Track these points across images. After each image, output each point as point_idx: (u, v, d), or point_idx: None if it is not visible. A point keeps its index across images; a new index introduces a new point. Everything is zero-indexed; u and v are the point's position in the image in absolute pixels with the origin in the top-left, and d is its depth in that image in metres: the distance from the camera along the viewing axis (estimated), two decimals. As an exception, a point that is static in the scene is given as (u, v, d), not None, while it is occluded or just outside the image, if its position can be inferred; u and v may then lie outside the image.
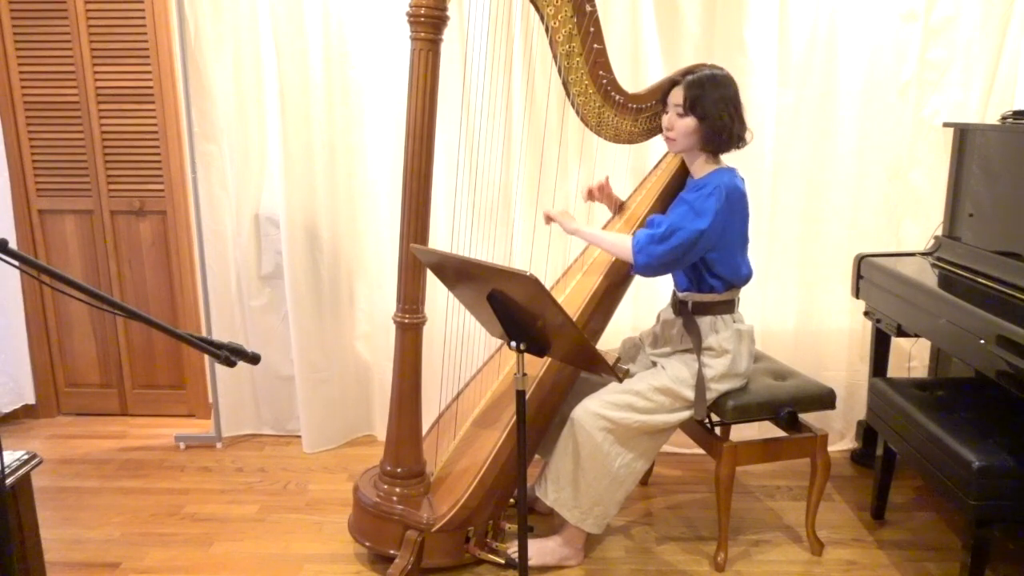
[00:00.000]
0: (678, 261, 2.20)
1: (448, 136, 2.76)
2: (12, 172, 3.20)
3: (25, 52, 3.11)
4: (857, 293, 2.82)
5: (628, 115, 2.37)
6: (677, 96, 2.21)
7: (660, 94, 2.30)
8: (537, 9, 2.24)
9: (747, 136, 2.25)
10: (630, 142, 2.46)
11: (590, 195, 2.54)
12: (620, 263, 2.36)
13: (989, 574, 2.13)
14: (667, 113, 2.25)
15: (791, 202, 2.95)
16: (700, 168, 2.29)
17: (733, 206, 2.19)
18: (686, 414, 2.29)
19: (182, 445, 3.17)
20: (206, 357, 3.06)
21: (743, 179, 2.27)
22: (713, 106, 2.17)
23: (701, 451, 2.56)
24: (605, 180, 2.54)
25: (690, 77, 2.20)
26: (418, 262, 2.17)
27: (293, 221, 2.95)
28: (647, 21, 2.79)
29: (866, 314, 2.84)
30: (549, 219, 2.42)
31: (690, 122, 2.20)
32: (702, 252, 2.20)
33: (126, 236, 3.27)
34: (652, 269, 2.22)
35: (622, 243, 2.25)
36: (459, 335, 2.49)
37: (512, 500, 2.42)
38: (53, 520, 2.61)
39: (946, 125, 2.82)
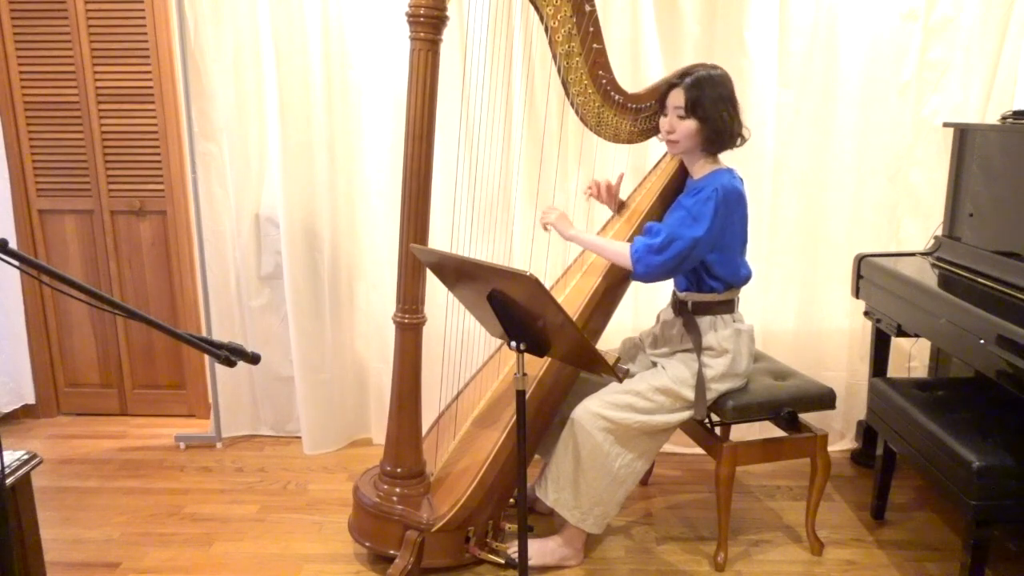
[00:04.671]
0: (677, 268, 2.21)
1: (448, 136, 2.76)
2: (12, 172, 3.20)
3: (25, 52, 3.11)
4: (857, 293, 2.82)
5: (628, 115, 2.37)
6: (677, 98, 2.21)
7: (659, 95, 2.30)
8: (536, 9, 2.24)
9: (745, 133, 2.26)
10: (629, 142, 2.46)
11: (596, 191, 2.52)
12: (626, 269, 2.36)
13: (989, 574, 2.13)
14: (666, 116, 2.25)
15: (791, 202, 2.95)
16: (699, 169, 2.29)
17: (731, 207, 2.19)
18: (686, 414, 2.29)
19: (182, 445, 3.17)
20: (206, 357, 3.06)
21: (742, 180, 2.27)
22: (713, 106, 2.17)
23: (701, 451, 2.56)
24: (618, 179, 2.53)
25: (689, 79, 2.19)
26: (418, 262, 2.17)
27: (293, 221, 2.95)
28: (647, 21, 2.79)
29: (866, 314, 2.84)
30: (546, 227, 2.42)
31: (692, 124, 2.20)
32: (701, 256, 2.21)
33: (126, 236, 3.27)
34: (651, 277, 2.24)
35: (621, 251, 2.25)
36: (459, 335, 2.49)
37: (512, 500, 2.42)
38: (53, 520, 2.61)
39: (946, 125, 2.82)
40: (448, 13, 2.08)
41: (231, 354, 1.48)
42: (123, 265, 3.30)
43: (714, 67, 2.24)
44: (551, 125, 2.78)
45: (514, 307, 1.70)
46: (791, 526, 2.60)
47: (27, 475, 1.72)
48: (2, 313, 3.25)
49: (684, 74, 2.22)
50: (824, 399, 2.40)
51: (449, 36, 2.23)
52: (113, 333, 3.36)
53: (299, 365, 3.06)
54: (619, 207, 2.57)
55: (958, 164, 2.71)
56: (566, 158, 2.89)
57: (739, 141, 2.26)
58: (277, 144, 2.89)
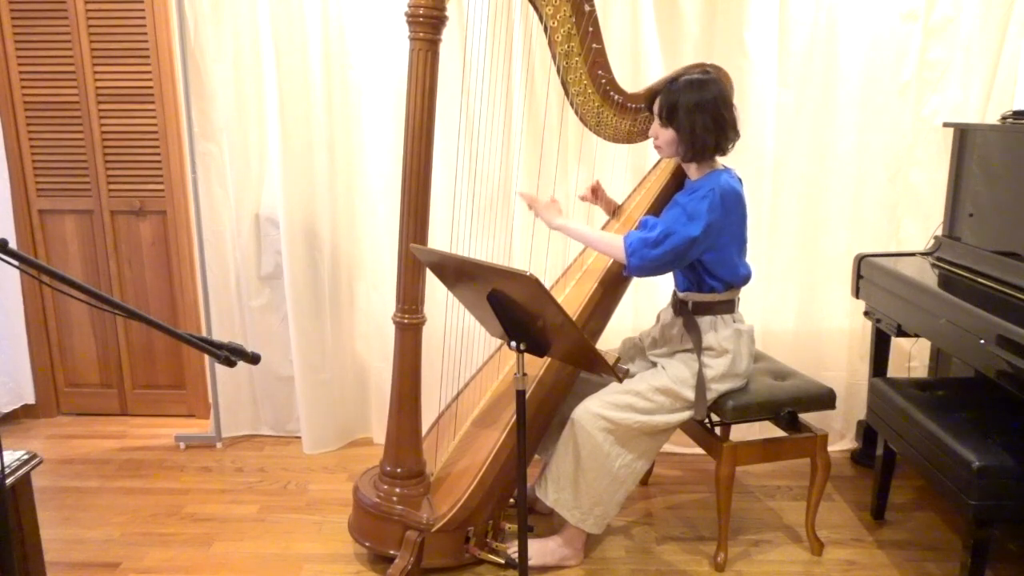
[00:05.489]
0: (671, 264, 2.21)
1: (447, 135, 2.76)
2: (12, 172, 3.19)
3: (25, 52, 3.11)
4: (857, 293, 2.82)
5: (627, 115, 2.37)
6: (658, 104, 2.21)
7: (653, 98, 2.29)
8: (536, 9, 2.25)
9: (729, 146, 2.21)
10: (629, 141, 2.47)
11: (587, 199, 2.54)
12: (620, 263, 2.36)
13: (989, 574, 2.13)
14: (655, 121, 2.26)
15: (791, 202, 2.95)
16: (696, 171, 2.28)
17: (729, 207, 2.17)
18: (686, 414, 2.29)
19: (182, 445, 3.17)
20: (206, 357, 3.06)
21: (741, 180, 2.26)
22: (687, 115, 2.14)
23: (701, 451, 2.56)
24: (596, 183, 2.53)
25: (672, 84, 2.18)
26: (418, 262, 2.17)
27: (293, 221, 2.95)
28: (647, 21, 2.79)
29: (866, 314, 2.84)
30: (530, 206, 2.38)
31: (670, 132, 2.20)
32: (697, 255, 2.20)
33: (126, 236, 3.27)
34: (645, 271, 2.23)
35: (614, 243, 2.24)
36: (459, 335, 2.49)
37: (512, 500, 2.42)
38: (53, 520, 2.61)
39: (946, 125, 2.82)
40: (447, 13, 2.08)
41: (231, 354, 1.48)
42: (123, 265, 3.30)
43: (707, 71, 2.21)
44: (551, 125, 2.78)
45: (514, 307, 1.70)
46: (791, 526, 2.60)
47: (27, 475, 1.72)
48: (2, 313, 3.25)
49: (674, 78, 2.21)
50: (824, 399, 2.40)
51: (449, 36, 2.23)
52: (113, 333, 3.36)
53: (299, 365, 3.06)
54: (614, 211, 2.57)
55: (958, 164, 2.71)
56: (566, 157, 2.89)
57: (720, 153, 2.21)
58: (277, 144, 2.89)
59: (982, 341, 2.06)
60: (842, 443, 3.10)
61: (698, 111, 2.14)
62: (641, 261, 2.18)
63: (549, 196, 2.40)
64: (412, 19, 2.06)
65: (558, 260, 2.85)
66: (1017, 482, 1.94)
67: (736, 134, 2.22)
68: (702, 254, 2.21)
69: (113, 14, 3.06)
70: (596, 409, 2.23)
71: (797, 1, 2.78)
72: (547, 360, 2.34)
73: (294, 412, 3.19)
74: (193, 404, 3.41)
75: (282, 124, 2.87)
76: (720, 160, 2.28)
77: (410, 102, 2.12)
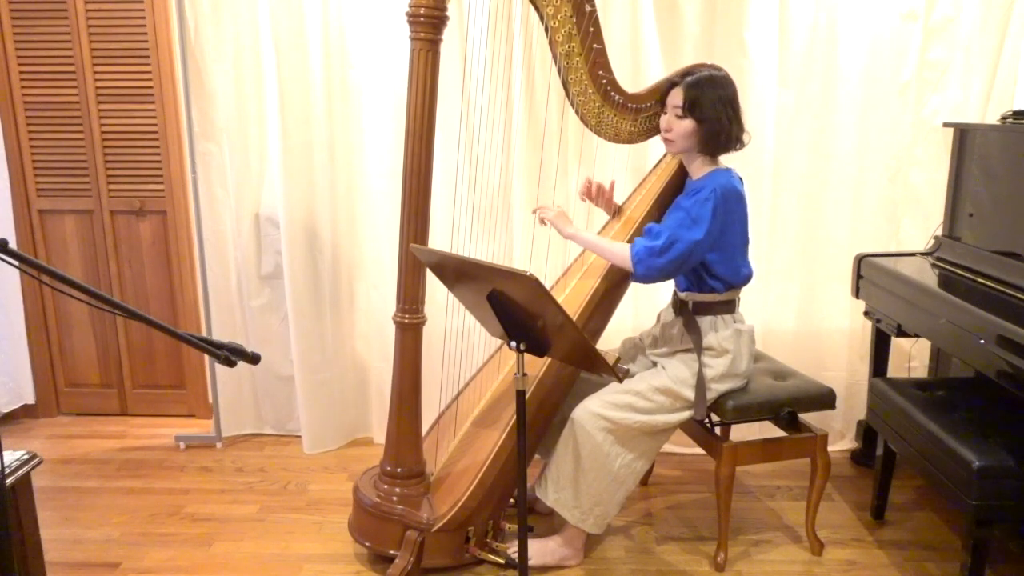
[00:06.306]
0: (678, 270, 2.22)
1: (448, 136, 2.76)
2: (12, 172, 3.20)
3: (25, 52, 3.11)
4: (857, 293, 2.82)
5: (628, 115, 2.37)
6: (676, 97, 2.21)
7: (659, 94, 2.30)
8: (536, 9, 2.24)
9: (744, 138, 2.25)
10: (630, 142, 2.46)
11: (587, 191, 2.52)
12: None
13: (989, 574, 2.13)
14: (666, 114, 2.26)
15: (791, 202, 2.95)
16: (698, 169, 2.29)
17: (731, 207, 2.19)
18: (686, 414, 2.29)
19: (182, 445, 3.17)
20: (206, 357, 3.06)
21: (741, 179, 2.27)
22: (711, 108, 2.17)
23: (701, 451, 2.56)
24: (611, 184, 2.53)
25: (689, 78, 2.20)
26: (418, 262, 2.17)
27: (293, 221, 2.95)
28: (647, 21, 2.79)
29: (866, 314, 2.84)
30: (543, 220, 2.41)
31: (689, 124, 2.20)
32: (701, 257, 2.21)
33: (126, 236, 3.27)
34: (651, 279, 2.25)
35: (621, 252, 2.25)
36: (459, 335, 2.49)
37: (512, 500, 2.42)
38: (53, 520, 2.61)
39: (946, 125, 2.82)
40: (448, 13, 2.08)
41: (231, 354, 1.48)
42: (123, 265, 3.30)
43: (717, 68, 2.23)
44: (551, 125, 2.78)
45: (514, 307, 1.70)
46: (791, 526, 2.60)
47: (27, 475, 1.72)
48: (2, 313, 3.25)
49: (686, 73, 2.23)
50: (824, 399, 2.40)
51: (449, 36, 2.23)
52: (113, 333, 3.36)
53: (299, 365, 3.06)
54: (615, 212, 2.57)
55: (958, 164, 2.71)
56: (566, 158, 2.89)
57: (738, 145, 2.25)
58: (277, 144, 2.89)
59: (982, 341, 2.06)
60: (842, 443, 3.10)
61: (721, 104, 2.17)
62: (647, 270, 2.20)
63: (557, 206, 2.41)
64: (413, 19, 2.06)
65: (558, 261, 2.85)
66: (1017, 482, 1.94)
67: (747, 134, 2.25)
68: (706, 255, 2.22)
69: (113, 14, 3.06)
70: (596, 409, 2.24)
71: (797, 1, 2.78)
72: (547, 360, 2.34)
73: (294, 412, 3.19)
74: (193, 404, 3.41)
75: (282, 124, 2.87)
76: (721, 160, 2.29)
77: (411, 102, 2.13)
